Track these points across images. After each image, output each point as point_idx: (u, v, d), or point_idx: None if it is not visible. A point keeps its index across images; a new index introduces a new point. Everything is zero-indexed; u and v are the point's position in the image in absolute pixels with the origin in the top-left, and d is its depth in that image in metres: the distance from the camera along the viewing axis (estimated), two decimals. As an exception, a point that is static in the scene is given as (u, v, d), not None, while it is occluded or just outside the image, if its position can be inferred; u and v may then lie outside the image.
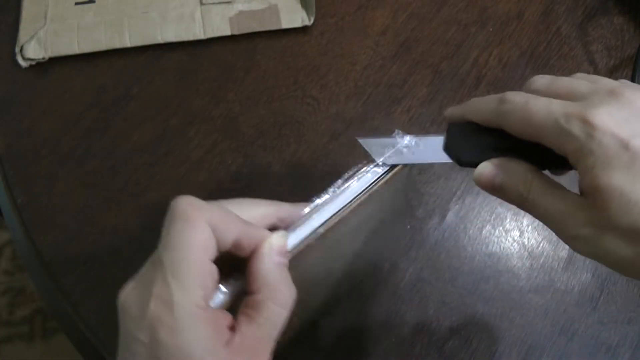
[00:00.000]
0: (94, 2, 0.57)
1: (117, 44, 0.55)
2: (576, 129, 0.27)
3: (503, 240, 0.49)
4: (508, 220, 0.50)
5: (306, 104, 0.54)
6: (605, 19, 0.60)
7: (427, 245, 0.48)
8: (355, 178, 0.33)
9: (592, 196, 0.27)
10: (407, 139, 0.33)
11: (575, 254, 0.47)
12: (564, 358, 0.45)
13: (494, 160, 0.30)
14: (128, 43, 0.55)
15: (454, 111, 0.34)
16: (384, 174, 0.33)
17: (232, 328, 0.27)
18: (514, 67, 0.57)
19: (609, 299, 0.47)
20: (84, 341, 0.45)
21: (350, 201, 0.32)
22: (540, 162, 0.30)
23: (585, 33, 0.59)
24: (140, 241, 0.47)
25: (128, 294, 0.27)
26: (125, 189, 0.49)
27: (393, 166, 0.34)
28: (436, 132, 0.53)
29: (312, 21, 0.56)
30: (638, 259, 0.26)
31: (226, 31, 0.56)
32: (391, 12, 0.59)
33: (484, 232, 0.49)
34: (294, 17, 0.56)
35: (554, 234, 0.29)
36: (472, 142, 0.32)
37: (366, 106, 0.54)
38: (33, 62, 0.54)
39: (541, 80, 0.32)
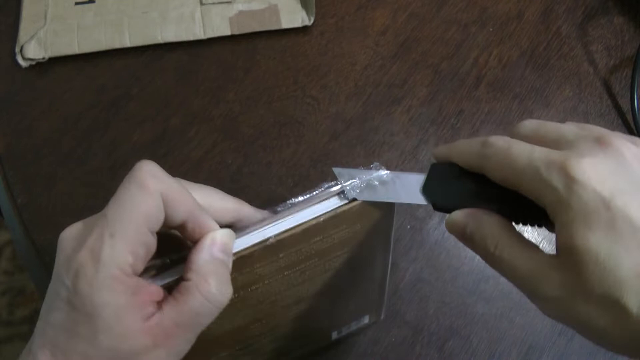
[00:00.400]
0: (94, 2, 0.57)
1: (117, 44, 0.55)
2: (556, 179, 0.25)
3: (503, 240, 0.49)
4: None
5: (306, 104, 0.54)
6: (605, 19, 0.60)
7: (427, 245, 0.48)
8: (321, 198, 0.30)
9: (566, 256, 0.25)
10: (384, 175, 0.31)
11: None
12: (564, 358, 0.45)
13: (467, 210, 0.29)
14: (128, 43, 0.55)
15: (439, 151, 0.32)
16: (348, 203, 0.31)
17: (160, 306, 0.27)
18: (514, 67, 0.57)
19: (609, 299, 0.47)
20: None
21: (307, 221, 0.30)
22: (519, 215, 0.28)
23: (585, 33, 0.59)
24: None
25: (68, 235, 0.27)
26: (125, 189, 0.49)
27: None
28: (436, 133, 0.53)
29: (312, 21, 0.56)
30: (612, 330, 0.24)
31: (226, 31, 0.56)
32: (391, 12, 0.59)
33: (484, 232, 0.49)
34: (294, 17, 0.56)
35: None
36: (451, 186, 0.30)
37: (366, 106, 0.54)
38: (33, 62, 0.54)
39: (528, 125, 0.30)
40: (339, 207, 0.30)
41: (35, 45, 0.54)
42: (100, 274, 0.25)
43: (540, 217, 0.27)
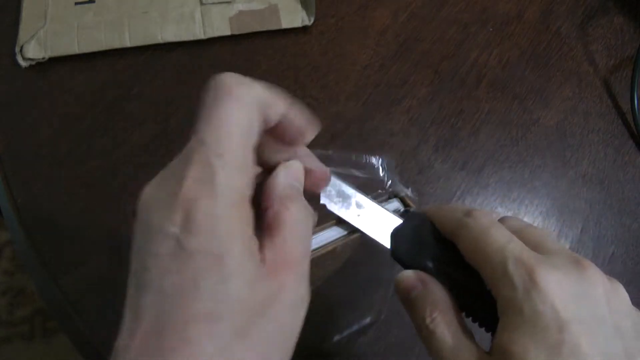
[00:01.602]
0: (94, 2, 0.57)
1: (117, 44, 0.55)
2: (518, 278, 0.23)
3: (503, 240, 0.49)
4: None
5: (306, 104, 0.54)
6: (605, 19, 0.60)
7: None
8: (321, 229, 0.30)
9: (499, 357, 0.23)
10: (365, 200, 0.30)
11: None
12: (564, 358, 0.45)
13: (421, 273, 0.28)
14: (128, 43, 0.55)
15: (427, 208, 0.31)
16: (345, 235, 0.30)
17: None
18: (514, 67, 0.57)
19: (609, 299, 0.47)
20: (84, 341, 0.45)
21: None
22: (469, 302, 0.27)
23: (585, 33, 0.59)
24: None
25: (151, 191, 0.23)
26: (125, 189, 0.49)
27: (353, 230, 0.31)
28: (436, 133, 0.53)
29: (312, 21, 0.56)
30: None
31: (226, 31, 0.56)
32: (391, 12, 0.59)
33: (484, 232, 0.49)
34: (294, 17, 0.56)
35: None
36: (418, 243, 0.29)
37: (366, 106, 0.54)
38: (33, 62, 0.54)
39: (514, 223, 0.28)
40: (343, 236, 0.30)
41: (35, 45, 0.54)
42: (219, 201, 0.20)
43: (486, 313, 0.26)
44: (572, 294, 0.23)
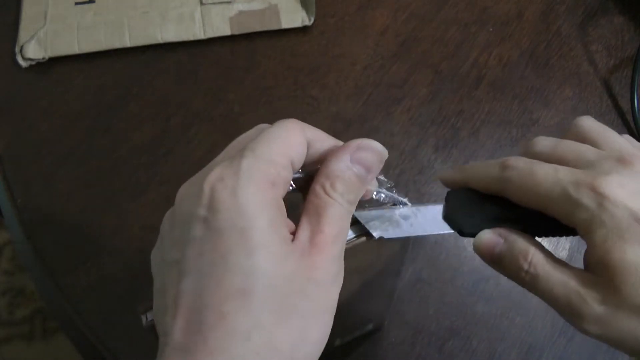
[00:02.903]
0: (94, 2, 0.57)
1: (117, 44, 0.55)
2: (586, 199, 0.25)
3: (503, 240, 0.49)
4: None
5: (306, 104, 0.54)
6: (605, 19, 0.60)
7: (427, 245, 0.48)
8: None
9: (603, 272, 0.25)
10: (405, 210, 0.30)
11: (575, 253, 0.47)
12: (564, 358, 0.45)
13: (496, 229, 0.28)
14: (128, 43, 0.55)
15: (450, 176, 0.31)
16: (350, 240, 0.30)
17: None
18: (514, 67, 0.57)
19: (609, 299, 0.47)
20: (84, 341, 0.45)
21: None
22: (544, 231, 0.28)
23: (585, 33, 0.59)
24: (141, 241, 0.47)
25: (185, 185, 0.24)
26: (125, 189, 0.49)
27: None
28: (436, 133, 0.53)
29: (312, 21, 0.56)
30: None
31: (226, 31, 0.56)
32: (391, 12, 0.59)
33: (484, 232, 0.49)
34: (294, 17, 0.56)
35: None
36: (473, 211, 0.30)
37: (366, 106, 0.54)
38: (33, 62, 0.54)
39: (544, 142, 0.30)
40: (355, 239, 0.30)
41: (35, 45, 0.54)
42: (243, 179, 0.22)
43: (565, 232, 0.27)
44: (633, 190, 0.25)
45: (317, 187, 0.24)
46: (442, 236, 0.49)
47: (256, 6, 0.57)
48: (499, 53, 0.57)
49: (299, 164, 0.25)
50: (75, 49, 0.54)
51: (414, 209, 0.30)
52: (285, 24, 0.56)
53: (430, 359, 0.45)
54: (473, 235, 0.29)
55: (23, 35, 0.54)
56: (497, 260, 0.28)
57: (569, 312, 0.26)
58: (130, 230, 0.48)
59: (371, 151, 0.26)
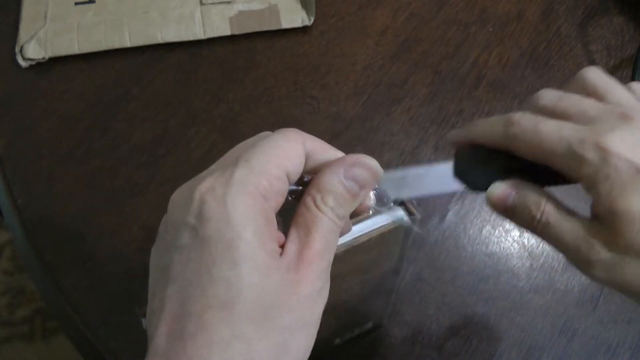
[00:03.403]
0: (94, 2, 0.57)
1: (117, 44, 0.55)
2: (590, 154, 0.26)
3: (503, 240, 0.49)
4: (508, 220, 0.50)
5: (306, 104, 0.54)
6: (605, 19, 0.60)
7: (427, 245, 0.48)
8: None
9: (609, 221, 0.26)
10: (415, 171, 0.32)
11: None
12: (564, 358, 0.45)
13: (507, 182, 0.30)
14: (128, 43, 0.55)
15: (458, 134, 0.33)
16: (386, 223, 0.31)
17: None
18: (514, 67, 0.57)
19: (608, 299, 0.47)
20: (84, 341, 0.45)
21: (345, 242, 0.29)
22: (552, 182, 0.30)
23: (585, 33, 0.59)
24: (140, 241, 0.47)
25: (178, 191, 0.24)
26: (125, 189, 0.49)
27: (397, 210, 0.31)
28: (436, 133, 0.53)
29: (312, 21, 0.56)
30: None
31: (226, 31, 0.56)
32: (391, 12, 0.59)
33: (484, 232, 0.49)
34: (294, 17, 0.56)
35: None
36: (483, 165, 0.31)
37: (366, 106, 0.54)
38: (33, 62, 0.54)
39: (549, 96, 0.31)
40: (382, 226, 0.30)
41: (35, 45, 0.54)
42: (233, 189, 0.22)
43: (571, 181, 0.28)
44: (634, 144, 0.26)
45: (307, 199, 0.24)
46: (443, 235, 0.48)
47: (256, 6, 0.57)
48: (499, 53, 0.57)
49: (295, 175, 0.25)
50: (75, 49, 0.54)
51: (424, 168, 0.32)
52: (285, 24, 0.56)
53: (430, 359, 0.45)
54: (485, 188, 0.30)
55: (23, 35, 0.54)
56: (510, 211, 0.29)
57: (578, 258, 0.27)
58: (130, 230, 0.48)
59: (366, 168, 0.26)
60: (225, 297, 0.21)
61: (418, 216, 0.31)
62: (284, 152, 0.24)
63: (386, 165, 0.27)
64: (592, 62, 0.57)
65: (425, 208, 0.49)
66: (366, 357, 0.45)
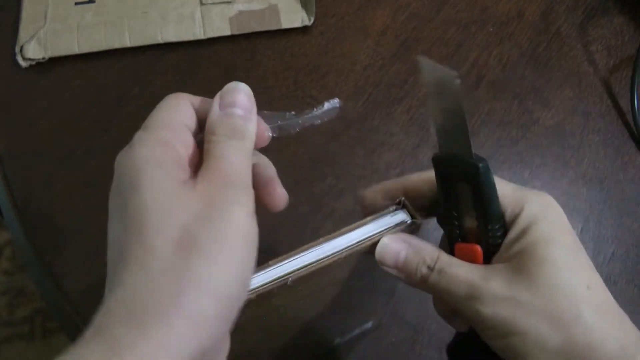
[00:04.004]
0: (94, 2, 0.57)
1: (117, 44, 0.55)
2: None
3: (503, 240, 0.49)
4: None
5: (306, 104, 0.54)
6: (605, 19, 0.60)
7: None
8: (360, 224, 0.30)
9: (524, 261, 0.27)
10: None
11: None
12: (564, 358, 0.45)
13: (397, 235, 0.30)
14: (128, 43, 0.55)
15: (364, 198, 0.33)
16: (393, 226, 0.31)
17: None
18: (514, 67, 0.57)
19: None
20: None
21: (338, 251, 0.29)
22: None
23: (585, 33, 0.59)
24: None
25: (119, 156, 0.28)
26: (125, 189, 0.49)
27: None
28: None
29: (312, 21, 0.56)
30: (556, 342, 0.25)
31: (226, 31, 0.56)
32: (391, 12, 0.59)
33: (484, 232, 0.49)
34: (294, 17, 0.56)
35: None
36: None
37: (366, 106, 0.54)
38: (33, 62, 0.54)
39: None
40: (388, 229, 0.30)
41: (35, 45, 0.54)
42: (135, 146, 0.26)
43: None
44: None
45: (205, 143, 0.27)
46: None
47: (256, 6, 0.57)
48: (499, 53, 0.57)
49: (192, 124, 0.28)
50: (75, 49, 0.54)
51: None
52: (285, 24, 0.56)
53: (430, 359, 0.45)
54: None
55: (23, 35, 0.54)
56: (402, 266, 0.29)
57: (471, 297, 0.27)
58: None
59: (230, 92, 0.29)
60: (137, 222, 0.23)
61: (420, 220, 0.31)
62: (174, 109, 0.27)
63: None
64: (592, 62, 0.57)
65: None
66: (366, 357, 0.45)
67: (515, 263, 0.27)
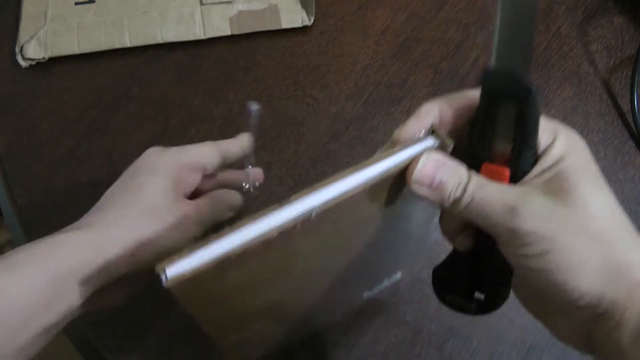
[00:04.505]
0: (94, 2, 0.57)
1: (117, 44, 0.55)
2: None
3: (503, 240, 0.49)
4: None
5: (306, 104, 0.54)
6: (605, 19, 0.60)
7: (427, 246, 0.48)
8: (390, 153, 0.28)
9: (557, 184, 0.27)
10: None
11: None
12: (564, 358, 0.45)
13: (435, 155, 0.28)
14: (128, 43, 0.55)
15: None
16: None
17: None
18: (514, 67, 0.57)
19: (609, 299, 0.47)
20: (84, 341, 0.45)
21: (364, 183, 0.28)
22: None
23: (585, 33, 0.59)
24: (140, 241, 0.47)
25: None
26: (125, 189, 0.49)
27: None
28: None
29: (312, 21, 0.56)
30: (592, 265, 0.26)
31: (226, 31, 0.56)
32: (391, 12, 0.59)
33: (484, 232, 0.49)
34: (294, 17, 0.56)
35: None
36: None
37: (366, 106, 0.54)
38: (33, 62, 0.54)
39: None
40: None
41: (35, 45, 0.54)
42: (162, 153, 0.38)
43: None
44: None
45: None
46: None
47: (256, 6, 0.57)
48: (499, 53, 0.57)
49: (211, 167, 0.40)
50: (75, 49, 0.54)
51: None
52: (285, 24, 0.56)
53: (430, 359, 0.45)
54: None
55: (23, 35, 0.54)
56: (437, 185, 0.28)
57: (508, 227, 0.27)
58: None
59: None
60: (130, 198, 0.35)
61: (450, 143, 0.29)
62: (201, 153, 0.39)
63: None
64: (592, 62, 0.57)
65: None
66: (366, 357, 0.45)
67: (551, 186, 0.27)
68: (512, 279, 0.31)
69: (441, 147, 0.29)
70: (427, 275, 0.47)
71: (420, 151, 0.29)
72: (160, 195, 0.35)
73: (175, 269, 0.25)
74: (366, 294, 0.43)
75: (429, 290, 0.47)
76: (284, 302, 0.34)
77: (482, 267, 0.33)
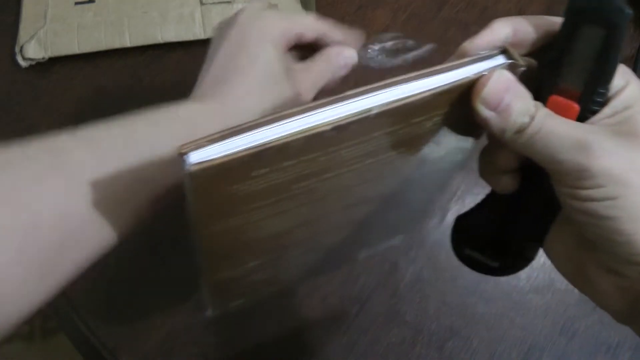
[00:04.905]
0: (94, 2, 0.57)
1: (117, 44, 0.55)
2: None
3: (503, 240, 0.49)
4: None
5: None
6: (605, 19, 0.60)
7: (427, 245, 0.48)
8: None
9: (628, 127, 0.25)
10: None
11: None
12: (564, 358, 0.45)
13: (507, 74, 0.26)
14: (128, 43, 0.55)
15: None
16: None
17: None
18: (514, 67, 0.57)
19: (609, 299, 0.47)
20: (84, 341, 0.45)
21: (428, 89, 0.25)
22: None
23: (585, 33, 0.59)
24: (140, 242, 0.47)
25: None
26: (125, 189, 0.49)
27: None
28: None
29: (312, 21, 0.56)
30: None
31: (226, 31, 0.56)
32: (391, 12, 0.59)
33: (484, 232, 0.49)
34: (294, 17, 0.56)
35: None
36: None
37: (366, 106, 0.54)
38: (33, 62, 0.54)
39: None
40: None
41: (35, 45, 0.54)
42: (270, 12, 0.39)
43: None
44: None
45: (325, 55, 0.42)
46: (443, 235, 0.48)
47: (256, 6, 0.57)
48: (499, 53, 0.57)
49: (299, 36, 0.39)
50: (75, 49, 0.54)
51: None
52: (285, 24, 0.56)
53: (430, 359, 0.45)
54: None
55: (23, 35, 0.54)
56: (503, 108, 0.26)
57: (577, 166, 0.24)
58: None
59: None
60: (246, 67, 0.35)
61: (524, 64, 0.27)
62: (308, 25, 0.40)
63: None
64: (592, 62, 0.57)
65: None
66: (366, 357, 0.45)
67: (622, 129, 0.25)
68: (546, 236, 0.29)
69: (511, 68, 0.26)
70: (427, 275, 0.47)
71: (489, 68, 0.26)
72: (275, 63, 0.35)
73: (204, 153, 0.22)
74: (362, 254, 0.41)
75: (429, 290, 0.47)
76: (291, 235, 0.31)
77: (519, 215, 0.30)
